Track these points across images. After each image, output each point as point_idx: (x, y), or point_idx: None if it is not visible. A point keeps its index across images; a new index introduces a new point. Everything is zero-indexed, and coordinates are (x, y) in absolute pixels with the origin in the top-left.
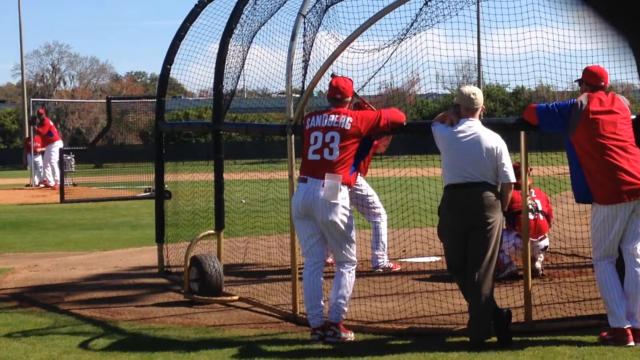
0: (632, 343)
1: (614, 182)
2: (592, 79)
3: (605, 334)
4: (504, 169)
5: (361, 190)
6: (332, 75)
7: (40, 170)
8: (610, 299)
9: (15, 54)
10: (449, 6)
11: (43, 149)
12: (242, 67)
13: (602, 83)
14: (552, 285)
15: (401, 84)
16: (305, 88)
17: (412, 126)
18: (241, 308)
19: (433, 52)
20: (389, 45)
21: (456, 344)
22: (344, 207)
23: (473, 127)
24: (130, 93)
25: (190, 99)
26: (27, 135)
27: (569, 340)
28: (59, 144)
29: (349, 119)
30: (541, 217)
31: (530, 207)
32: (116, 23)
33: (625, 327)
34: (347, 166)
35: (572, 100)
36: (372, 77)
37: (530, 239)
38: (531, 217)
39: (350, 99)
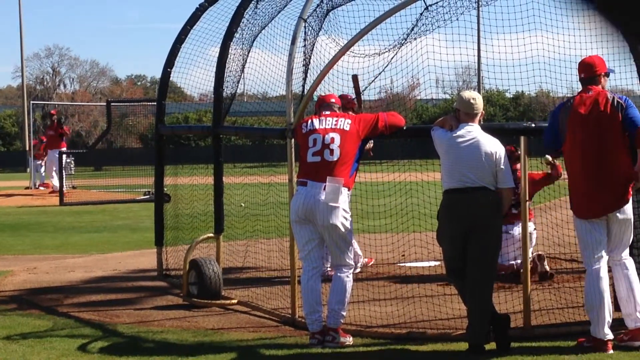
0: (611, 351)
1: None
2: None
3: (582, 340)
4: (503, 173)
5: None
6: (354, 77)
7: (42, 173)
8: (591, 306)
9: (16, 56)
10: (449, 11)
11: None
12: (243, 70)
13: (582, 75)
14: (551, 291)
15: (401, 89)
16: (306, 92)
17: (412, 131)
18: (240, 312)
19: (433, 57)
20: (389, 50)
21: (455, 349)
22: (344, 210)
23: (472, 132)
24: (130, 96)
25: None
26: (28, 139)
27: (567, 346)
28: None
29: (348, 120)
30: None
31: None
32: (116, 26)
33: (606, 340)
34: (348, 167)
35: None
36: (372, 81)
37: None
38: None
39: (339, 107)
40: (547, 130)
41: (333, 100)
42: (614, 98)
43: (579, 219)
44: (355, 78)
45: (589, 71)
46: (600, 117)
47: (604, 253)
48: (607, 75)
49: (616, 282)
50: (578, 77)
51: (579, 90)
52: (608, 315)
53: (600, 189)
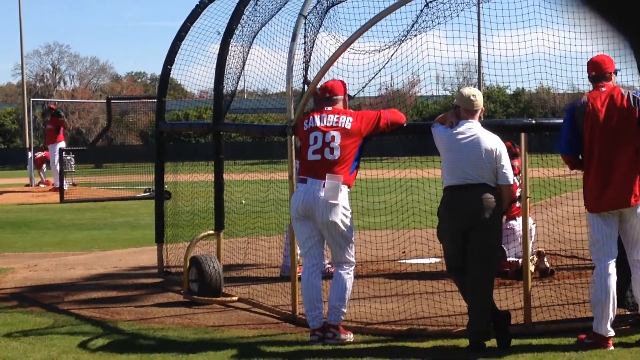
0: (611, 347)
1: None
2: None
3: (583, 336)
4: (503, 170)
5: None
6: (304, 77)
7: (44, 170)
8: (597, 301)
9: (16, 53)
10: (449, 8)
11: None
12: (243, 67)
13: (593, 73)
14: (551, 287)
15: (401, 86)
16: (306, 89)
17: (412, 127)
18: (240, 309)
19: (433, 54)
20: (389, 47)
21: (455, 346)
22: (344, 207)
23: (473, 128)
24: (130, 93)
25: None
26: (28, 136)
27: (568, 342)
28: (61, 144)
29: (349, 118)
30: None
31: None
32: (116, 23)
33: (607, 336)
34: (348, 166)
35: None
36: (373, 78)
37: None
38: None
39: (342, 97)
40: (564, 135)
41: (327, 94)
42: (629, 94)
43: (591, 213)
44: (306, 80)
45: (599, 69)
46: (617, 113)
47: (614, 249)
48: (615, 73)
49: (634, 282)
50: (588, 75)
51: (580, 87)
52: (612, 312)
53: (612, 183)
